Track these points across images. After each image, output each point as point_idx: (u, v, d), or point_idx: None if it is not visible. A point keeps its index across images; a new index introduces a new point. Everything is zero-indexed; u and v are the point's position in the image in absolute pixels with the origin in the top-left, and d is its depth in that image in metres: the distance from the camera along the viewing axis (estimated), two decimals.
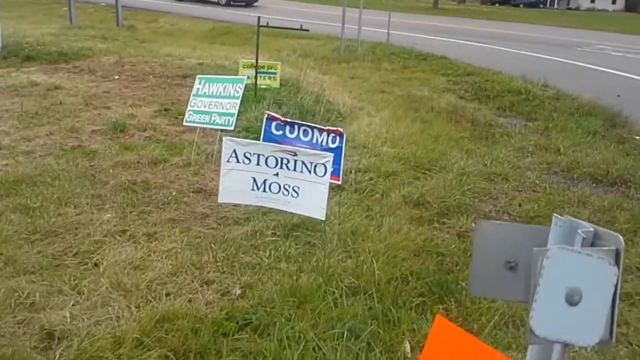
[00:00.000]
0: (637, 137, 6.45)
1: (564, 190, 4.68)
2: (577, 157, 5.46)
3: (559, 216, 1.11)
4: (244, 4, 25.18)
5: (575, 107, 7.89)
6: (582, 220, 1.10)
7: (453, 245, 3.59)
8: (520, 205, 4.33)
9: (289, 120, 3.91)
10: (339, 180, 3.78)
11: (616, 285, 1.02)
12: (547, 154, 5.66)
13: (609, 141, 6.23)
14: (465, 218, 4.04)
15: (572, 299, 1.01)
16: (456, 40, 17.28)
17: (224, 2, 25.04)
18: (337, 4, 22.68)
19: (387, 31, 14.54)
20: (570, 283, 1.02)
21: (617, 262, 1.03)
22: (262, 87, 7.33)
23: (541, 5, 59.89)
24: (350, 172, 4.70)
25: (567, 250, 1.02)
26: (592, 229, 1.09)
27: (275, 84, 7.55)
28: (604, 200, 4.46)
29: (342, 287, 2.91)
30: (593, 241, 1.08)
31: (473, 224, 3.96)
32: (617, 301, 1.05)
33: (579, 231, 1.08)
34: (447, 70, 11.07)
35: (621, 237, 1.06)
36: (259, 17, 7.23)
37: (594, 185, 4.91)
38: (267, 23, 7.50)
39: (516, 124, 7.08)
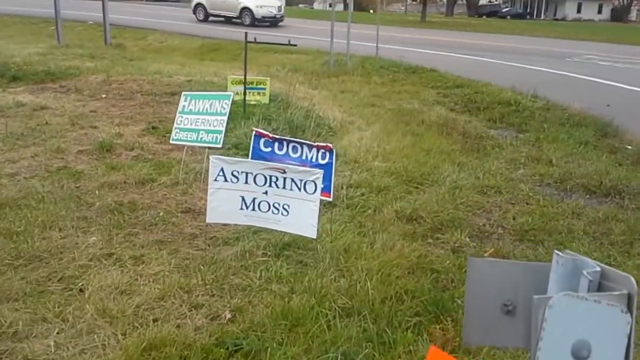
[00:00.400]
0: (629, 147, 6.44)
1: (558, 202, 4.64)
2: (570, 168, 5.43)
3: (560, 253, 0.99)
4: (268, 24, 24.52)
5: (565, 117, 7.90)
6: (587, 258, 0.99)
7: (448, 261, 3.52)
8: (514, 219, 4.28)
9: (277, 136, 3.85)
10: (330, 196, 3.71)
11: (629, 336, 0.89)
12: (539, 166, 5.63)
13: (600, 151, 6.22)
14: (459, 233, 3.98)
15: (580, 354, 0.89)
16: (445, 53, 17.39)
17: (248, 23, 24.25)
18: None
19: (375, 45, 14.60)
20: (577, 335, 0.88)
21: (629, 309, 0.89)
22: (252, 102, 7.28)
23: (528, 17, 60.67)
24: (342, 187, 4.64)
25: (572, 297, 0.88)
26: (598, 269, 0.96)
27: (265, 100, 7.49)
28: (599, 211, 4.41)
29: (335, 308, 2.83)
30: (600, 282, 0.96)
31: (467, 239, 3.91)
32: (632, 354, 0.91)
33: (585, 272, 0.95)
34: (436, 83, 11.10)
35: (633, 279, 0.94)
36: (245, 33, 7.19)
37: (587, 196, 4.87)
38: (255, 39, 7.48)
39: (507, 136, 7.06)
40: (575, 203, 4.61)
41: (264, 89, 7.58)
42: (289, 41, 8.53)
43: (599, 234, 3.98)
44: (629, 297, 0.91)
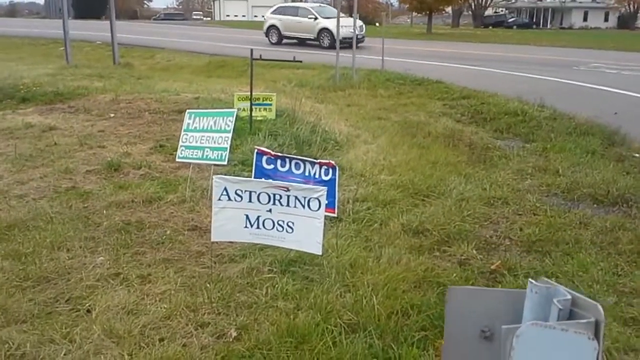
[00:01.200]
0: (637, 155, 6.40)
1: (565, 212, 4.61)
2: (577, 178, 5.40)
3: (534, 282, 1.02)
4: (347, 45, 21.79)
5: (572, 126, 7.86)
6: (559, 285, 1.01)
7: (454, 275, 3.50)
8: (521, 230, 4.25)
9: (279, 154, 3.88)
10: (334, 212, 3.73)
11: None
12: (546, 176, 5.60)
13: (608, 160, 6.17)
14: (466, 245, 3.96)
15: None
16: (451, 64, 17.42)
17: (326, 45, 22.66)
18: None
19: (381, 58, 14.67)
20: None
21: (596, 336, 0.93)
22: (258, 118, 7.34)
23: (534, 26, 60.74)
24: (348, 202, 4.65)
25: (539, 326, 0.92)
26: (569, 297, 0.99)
27: (271, 115, 7.56)
28: (606, 221, 4.37)
29: (341, 324, 2.83)
30: (571, 309, 0.98)
31: (474, 251, 3.89)
32: None
33: (555, 301, 0.98)
34: (442, 95, 11.10)
35: (600, 307, 0.95)
36: (251, 50, 7.27)
37: (594, 205, 4.83)
38: (260, 56, 7.56)
39: (514, 146, 7.04)
40: (583, 213, 4.58)
41: (270, 104, 7.65)
42: (294, 57, 8.62)
43: (606, 244, 3.94)
44: (597, 325, 0.94)
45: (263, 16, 26.51)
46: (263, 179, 3.64)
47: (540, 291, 0.97)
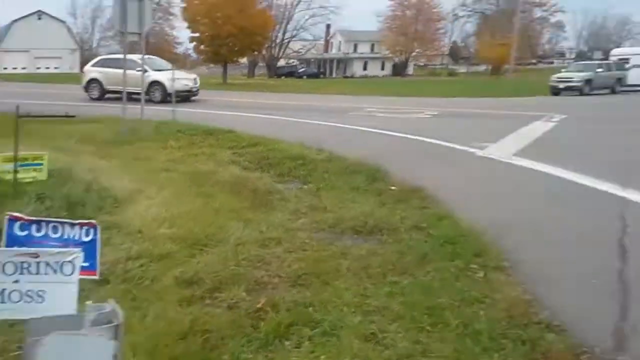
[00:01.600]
0: (393, 188, 7.33)
1: (329, 244, 5.05)
2: (342, 213, 5.97)
3: (89, 303, 1.25)
4: (180, 99, 20.29)
5: (344, 166, 8.70)
6: (110, 304, 1.25)
7: (223, 318, 3.60)
8: (289, 266, 4.54)
9: (34, 218, 3.63)
10: (95, 274, 3.58)
11: (115, 356, 1.18)
12: (316, 213, 6.09)
13: (369, 195, 6.95)
14: (237, 288, 4.09)
15: None
16: (243, 113, 18.10)
17: (158, 99, 21.31)
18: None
19: (172, 109, 14.66)
20: None
21: (116, 336, 1.20)
22: (27, 180, 6.75)
23: (322, 76, 66.36)
24: (120, 261, 4.50)
25: (62, 334, 1.17)
26: (107, 310, 1.24)
27: (42, 176, 7.00)
28: (362, 249, 4.91)
29: None
30: (110, 320, 1.23)
31: (244, 293, 4.04)
32: None
33: (91, 314, 1.22)
34: (232, 143, 11.43)
35: (121, 313, 1.22)
36: (17, 106, 6.72)
37: (355, 236, 5.39)
38: (28, 113, 7.03)
39: (293, 188, 7.53)
40: (344, 244, 5.07)
41: (42, 164, 7.09)
42: (67, 113, 8.18)
43: (359, 270, 4.41)
44: (117, 328, 1.19)
45: (55, 67, 24.57)
46: (14, 248, 3.37)
47: (92, 309, 1.21)
